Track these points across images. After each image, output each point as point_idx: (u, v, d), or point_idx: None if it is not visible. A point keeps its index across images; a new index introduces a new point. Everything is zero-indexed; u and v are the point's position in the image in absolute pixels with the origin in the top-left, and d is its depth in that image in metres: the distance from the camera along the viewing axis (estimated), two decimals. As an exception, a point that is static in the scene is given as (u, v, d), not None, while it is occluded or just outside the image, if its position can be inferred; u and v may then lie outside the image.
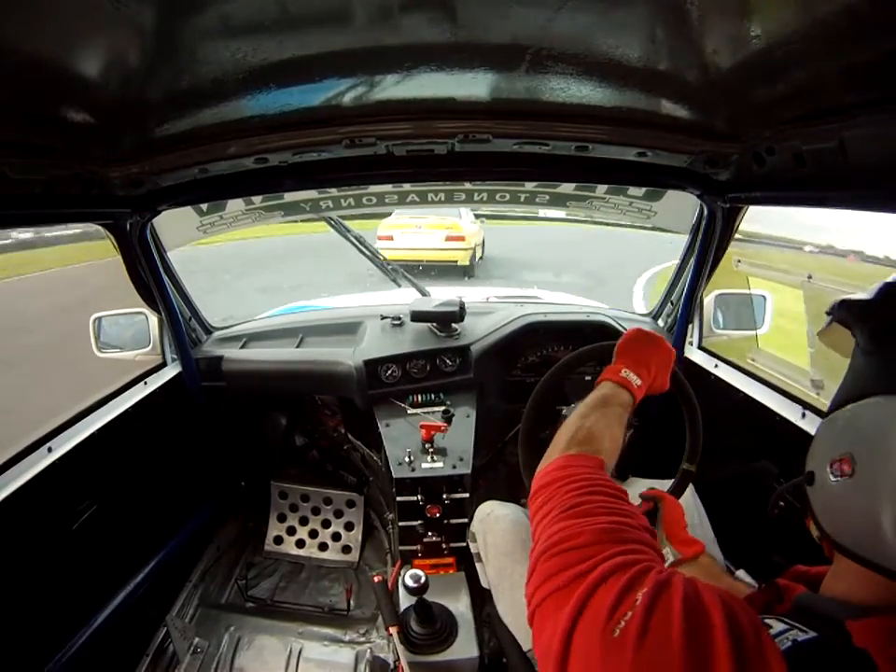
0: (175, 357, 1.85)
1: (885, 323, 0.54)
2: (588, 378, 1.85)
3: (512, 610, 1.12)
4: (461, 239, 8.66)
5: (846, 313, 0.59)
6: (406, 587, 1.20)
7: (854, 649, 0.44)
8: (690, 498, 1.19)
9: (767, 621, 0.49)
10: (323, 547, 2.14)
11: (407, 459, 1.50)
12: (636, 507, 0.61)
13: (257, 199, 1.90)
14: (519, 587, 1.12)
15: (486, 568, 1.24)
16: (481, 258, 10.37)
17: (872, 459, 0.48)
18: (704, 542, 0.99)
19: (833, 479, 0.51)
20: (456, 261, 8.50)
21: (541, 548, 0.56)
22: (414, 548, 1.52)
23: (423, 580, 1.19)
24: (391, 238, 8.34)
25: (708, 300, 1.79)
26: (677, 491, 1.10)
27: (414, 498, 1.48)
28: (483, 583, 1.37)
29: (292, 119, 1.08)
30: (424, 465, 1.49)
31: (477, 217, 9.94)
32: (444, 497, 1.48)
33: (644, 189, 1.83)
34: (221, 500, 2.15)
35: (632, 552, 0.51)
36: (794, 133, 0.91)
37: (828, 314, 0.63)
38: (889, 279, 0.58)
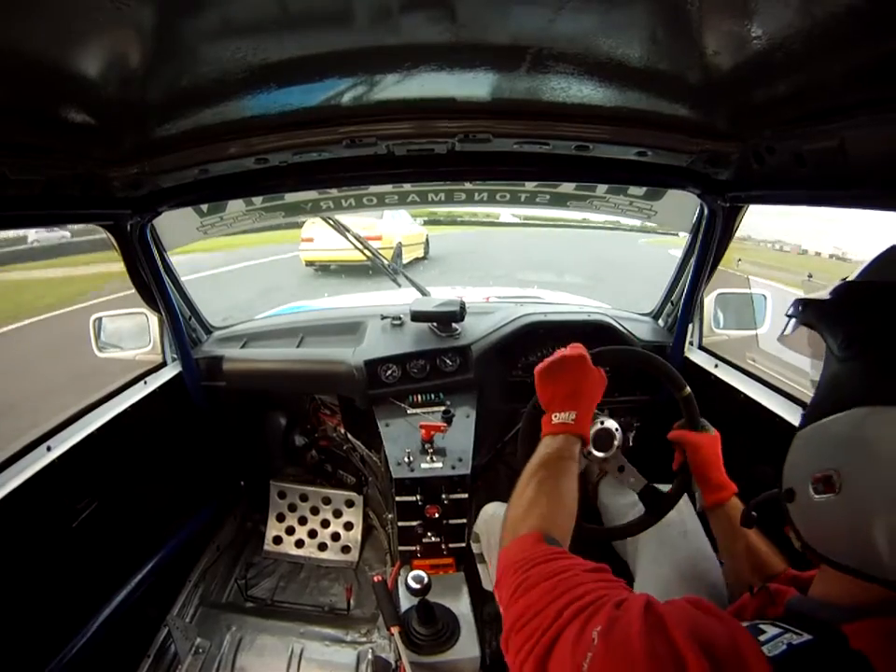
0: (176, 356, 1.85)
1: (858, 328, 0.51)
2: None
3: None
4: (378, 238, 8.83)
5: (811, 316, 0.57)
6: (409, 588, 1.20)
7: (851, 651, 0.44)
8: (683, 505, 1.19)
9: (760, 626, 0.49)
10: (322, 547, 2.14)
11: (406, 459, 1.50)
12: (575, 557, 0.63)
13: (257, 199, 1.90)
14: None
15: (490, 567, 1.24)
16: (423, 257, 11.02)
17: (860, 475, 0.46)
18: (733, 487, 0.98)
19: (816, 496, 0.49)
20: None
21: (506, 631, 0.60)
22: (413, 548, 1.52)
23: (426, 581, 1.19)
24: (312, 240, 8.64)
25: (709, 299, 1.79)
26: (690, 423, 1.08)
27: (413, 498, 1.48)
28: (485, 584, 1.37)
29: (292, 120, 1.07)
30: (423, 465, 1.49)
31: (415, 219, 10.52)
32: (443, 497, 1.48)
33: (644, 189, 1.82)
34: (221, 500, 2.15)
35: (579, 597, 0.53)
36: (795, 133, 0.91)
37: (789, 315, 0.60)
38: (850, 278, 0.56)
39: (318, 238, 8.58)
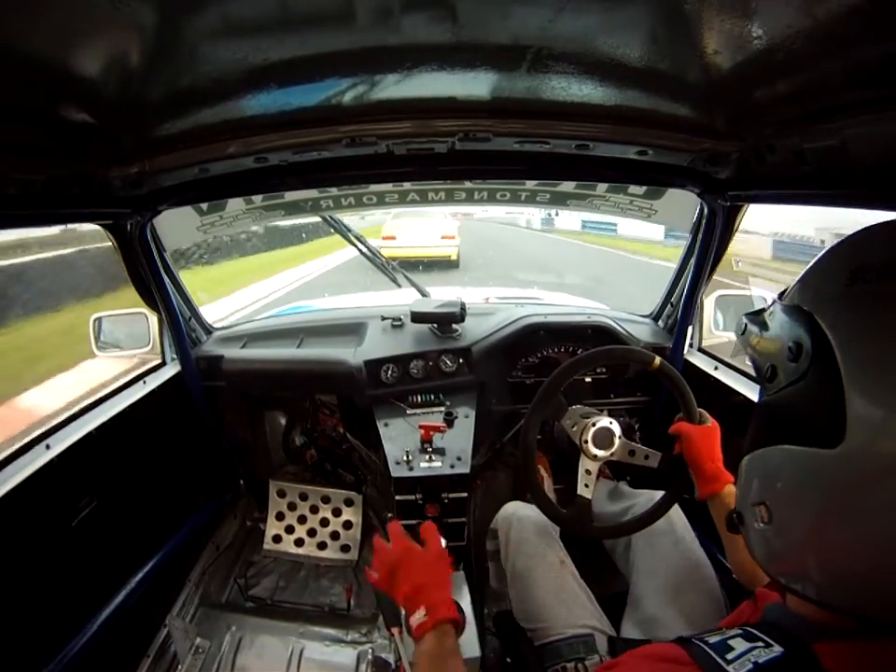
0: (175, 356, 1.85)
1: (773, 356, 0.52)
2: (588, 380, 1.86)
3: (526, 608, 1.14)
4: (452, 237, 10.61)
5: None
6: None
7: (822, 671, 0.44)
8: (673, 515, 1.19)
9: (729, 642, 0.50)
10: (322, 546, 2.14)
11: (405, 458, 1.50)
12: None
13: (257, 198, 1.90)
14: (536, 587, 1.14)
15: (506, 565, 1.25)
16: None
17: (786, 510, 0.49)
18: (728, 477, 0.97)
19: (756, 524, 0.52)
20: (450, 256, 10.48)
21: None
22: None
23: None
24: (394, 238, 9.61)
25: (709, 300, 1.79)
26: (687, 416, 1.09)
27: (413, 497, 1.48)
28: (493, 584, 1.37)
29: (292, 119, 1.07)
30: (422, 464, 1.49)
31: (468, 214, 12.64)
32: (443, 496, 1.48)
33: (644, 188, 1.82)
34: (220, 499, 2.15)
35: None
36: (795, 132, 0.91)
37: (737, 333, 0.62)
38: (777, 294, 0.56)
39: (401, 236, 9.62)
